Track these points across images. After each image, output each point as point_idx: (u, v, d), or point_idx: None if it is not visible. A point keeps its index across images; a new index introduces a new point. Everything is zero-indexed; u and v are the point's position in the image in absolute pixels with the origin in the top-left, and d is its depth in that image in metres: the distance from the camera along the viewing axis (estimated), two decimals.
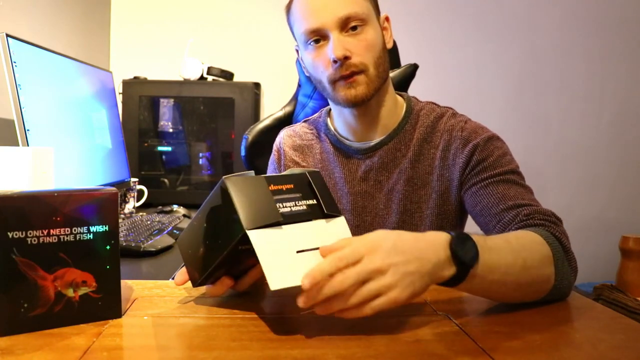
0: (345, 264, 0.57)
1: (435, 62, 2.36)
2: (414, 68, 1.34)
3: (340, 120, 1.00)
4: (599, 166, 2.47)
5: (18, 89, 1.03)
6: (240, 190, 0.61)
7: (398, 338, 0.59)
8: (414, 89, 1.33)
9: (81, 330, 0.58)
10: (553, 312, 0.70)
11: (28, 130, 1.04)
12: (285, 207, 0.62)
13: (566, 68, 2.44)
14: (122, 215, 1.64)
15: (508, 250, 0.69)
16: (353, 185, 0.99)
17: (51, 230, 0.57)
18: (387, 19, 0.97)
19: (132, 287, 0.76)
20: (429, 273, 0.60)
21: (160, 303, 0.70)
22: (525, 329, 0.63)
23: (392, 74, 1.21)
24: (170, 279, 0.91)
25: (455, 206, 0.95)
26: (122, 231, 1.28)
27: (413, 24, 2.35)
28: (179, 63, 2.08)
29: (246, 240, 0.58)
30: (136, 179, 1.77)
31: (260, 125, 1.46)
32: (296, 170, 0.69)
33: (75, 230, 0.59)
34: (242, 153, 1.45)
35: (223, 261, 0.63)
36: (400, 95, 1.02)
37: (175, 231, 1.42)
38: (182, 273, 0.71)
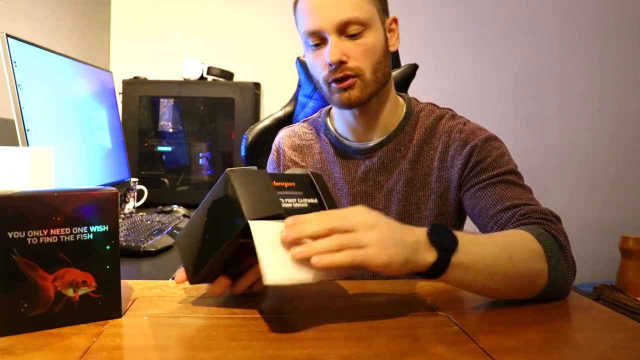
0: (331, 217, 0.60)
1: (435, 62, 2.36)
2: (414, 68, 1.34)
3: (341, 120, 1.01)
4: (599, 166, 2.47)
5: (18, 89, 1.03)
6: (243, 182, 0.61)
7: (398, 338, 0.58)
8: (413, 89, 1.33)
9: (81, 330, 0.58)
10: (553, 312, 0.70)
11: (28, 130, 1.04)
12: (287, 202, 0.63)
13: (566, 68, 2.44)
14: (122, 215, 1.64)
15: (491, 244, 0.71)
16: (352, 186, 0.99)
17: (51, 230, 0.57)
18: (394, 21, 0.96)
19: (132, 287, 0.76)
20: (410, 248, 0.61)
21: (160, 303, 0.70)
22: (525, 329, 0.63)
23: (392, 74, 1.21)
24: (170, 279, 0.91)
25: (454, 207, 0.95)
26: (122, 231, 1.28)
27: (413, 24, 2.35)
28: (179, 63, 2.08)
29: (247, 233, 0.58)
30: (136, 179, 1.77)
31: (260, 125, 1.46)
32: (297, 170, 0.69)
33: (75, 230, 0.59)
34: (242, 153, 1.45)
35: (222, 255, 0.62)
36: (401, 96, 1.02)
37: (175, 231, 1.43)
38: (182, 271, 0.71)
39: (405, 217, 0.96)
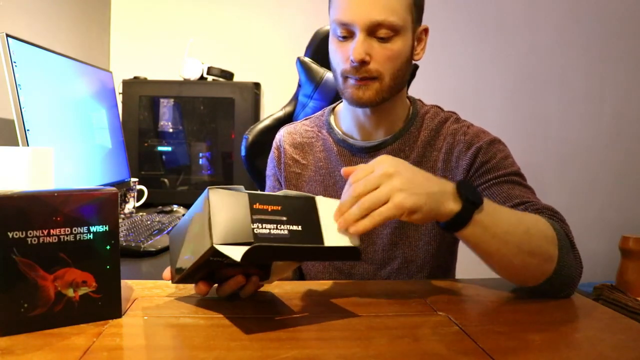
0: (357, 179, 0.66)
1: (435, 62, 2.35)
2: (414, 68, 1.34)
3: (349, 116, 1.00)
4: (599, 166, 2.47)
5: (18, 89, 1.02)
6: (220, 204, 0.60)
7: (398, 338, 0.59)
8: (413, 89, 1.33)
9: (81, 330, 0.58)
10: (553, 312, 0.70)
11: (28, 130, 1.04)
12: (264, 228, 0.61)
13: (566, 68, 2.44)
14: (122, 215, 1.64)
15: (512, 214, 0.75)
16: None
17: (51, 230, 0.57)
18: (425, 31, 0.95)
19: (132, 287, 0.76)
20: (434, 195, 0.67)
21: (160, 303, 0.70)
22: (525, 329, 0.63)
23: None
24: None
25: None
26: (122, 231, 1.28)
27: None
28: (179, 63, 2.08)
29: (216, 253, 0.58)
30: (136, 179, 1.77)
31: (260, 125, 1.46)
32: (291, 193, 0.68)
33: (75, 230, 0.59)
34: (242, 153, 1.45)
35: (195, 264, 0.63)
36: (407, 97, 1.03)
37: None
38: (168, 269, 0.72)
39: None
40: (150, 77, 2.11)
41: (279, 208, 0.64)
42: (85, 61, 1.42)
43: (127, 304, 0.68)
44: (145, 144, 2.10)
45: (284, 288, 0.77)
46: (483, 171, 0.91)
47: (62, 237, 0.58)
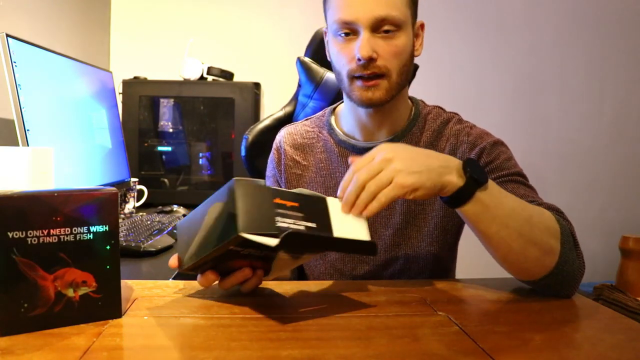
0: (358, 168, 0.70)
1: (435, 62, 2.36)
2: (414, 68, 1.34)
3: (351, 117, 0.99)
4: (598, 166, 2.47)
5: (18, 89, 1.02)
6: (245, 195, 0.61)
7: (398, 338, 0.59)
8: (414, 89, 1.33)
9: (81, 330, 0.58)
10: (553, 312, 0.70)
11: (28, 130, 1.04)
12: (285, 222, 0.63)
13: (566, 68, 2.44)
14: (122, 215, 1.64)
15: (516, 201, 0.75)
16: None
17: (51, 230, 0.57)
18: (422, 26, 0.95)
19: (132, 287, 0.76)
20: (436, 170, 0.69)
21: (160, 303, 0.70)
22: (525, 329, 0.63)
23: None
24: (170, 279, 0.91)
25: None
26: (122, 231, 1.28)
27: None
28: (179, 63, 2.08)
29: (242, 242, 0.59)
30: (136, 179, 1.77)
31: (260, 125, 1.46)
32: (305, 191, 0.70)
33: (75, 230, 0.59)
34: (242, 153, 1.45)
35: (210, 255, 0.64)
36: (409, 97, 1.02)
37: (175, 231, 1.42)
38: (176, 257, 0.71)
39: (410, 217, 0.96)
40: (150, 77, 2.12)
41: (297, 205, 0.66)
42: (85, 61, 1.42)
43: (127, 304, 0.68)
44: (145, 144, 2.10)
45: (284, 288, 0.77)
46: (487, 171, 0.90)
47: (62, 237, 0.58)
